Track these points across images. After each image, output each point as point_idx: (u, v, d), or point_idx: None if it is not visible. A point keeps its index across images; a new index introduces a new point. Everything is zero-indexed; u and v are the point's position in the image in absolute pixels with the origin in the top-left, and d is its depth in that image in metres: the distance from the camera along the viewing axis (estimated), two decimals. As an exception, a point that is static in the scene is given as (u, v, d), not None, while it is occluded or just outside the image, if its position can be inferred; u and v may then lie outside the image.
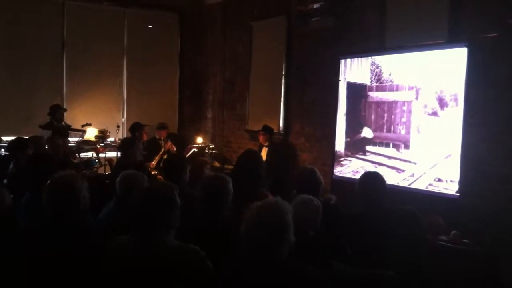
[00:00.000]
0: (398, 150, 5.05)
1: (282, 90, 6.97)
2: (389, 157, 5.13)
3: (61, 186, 2.42)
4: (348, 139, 5.61)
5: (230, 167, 6.57)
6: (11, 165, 4.46)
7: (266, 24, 7.37)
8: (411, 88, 4.93)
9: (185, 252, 2.12)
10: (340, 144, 5.77)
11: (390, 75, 5.19)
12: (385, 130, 5.22)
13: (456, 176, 4.43)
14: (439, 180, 4.60)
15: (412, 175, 4.88)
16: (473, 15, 4.49)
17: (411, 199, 4.43)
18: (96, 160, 6.55)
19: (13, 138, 5.03)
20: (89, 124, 6.98)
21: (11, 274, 2.26)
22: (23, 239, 2.41)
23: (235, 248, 1.98)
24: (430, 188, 4.67)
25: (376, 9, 5.45)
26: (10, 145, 4.78)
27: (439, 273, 2.69)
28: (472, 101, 4.37)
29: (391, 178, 4.89)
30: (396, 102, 5.10)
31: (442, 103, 4.62)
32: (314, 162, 6.26)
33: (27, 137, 4.99)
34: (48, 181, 2.47)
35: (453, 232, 3.92)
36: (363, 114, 5.48)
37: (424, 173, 4.77)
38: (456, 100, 4.49)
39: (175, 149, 6.71)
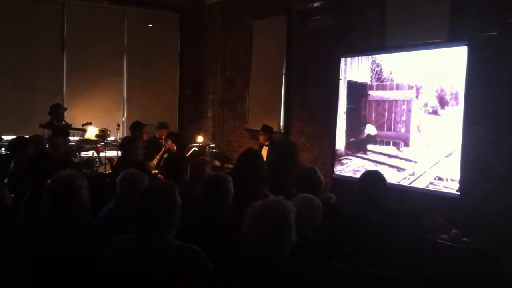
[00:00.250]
0: (398, 148, 5.05)
1: (283, 89, 6.98)
2: (390, 156, 5.13)
3: (61, 186, 2.42)
4: (354, 139, 5.58)
5: (231, 166, 6.57)
6: (12, 165, 4.46)
7: (266, 23, 7.36)
8: (411, 87, 4.93)
9: (186, 252, 2.12)
10: (340, 143, 5.77)
11: (390, 73, 5.19)
12: (385, 129, 5.23)
13: (457, 175, 4.43)
14: (440, 179, 4.60)
15: (413, 174, 4.88)
16: (473, 14, 4.49)
17: (411, 198, 4.44)
18: (97, 159, 6.55)
19: (14, 137, 5.04)
20: (90, 123, 6.97)
21: (11, 274, 2.26)
22: (23, 238, 2.41)
23: (235, 248, 1.98)
24: (431, 187, 4.67)
25: (376, 8, 5.45)
26: (11, 145, 4.78)
27: (439, 271, 2.70)
28: (473, 99, 4.37)
29: (391, 177, 4.89)
30: (396, 100, 5.10)
31: (442, 102, 4.62)
32: (315, 161, 6.26)
33: (27, 137, 4.99)
34: (49, 181, 2.47)
35: (453, 231, 3.93)
36: (364, 112, 5.47)
37: (425, 172, 4.77)
38: (456, 98, 4.49)
39: (175, 148, 6.71)
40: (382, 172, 3.56)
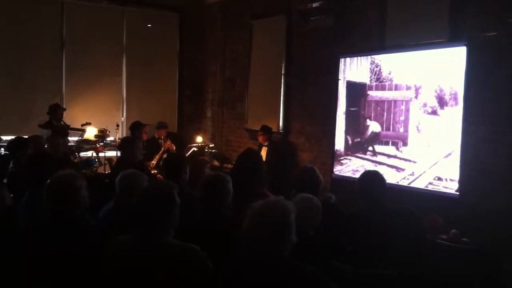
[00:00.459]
0: (397, 148, 5.05)
1: (282, 89, 6.98)
2: (389, 156, 5.14)
3: (60, 185, 2.42)
4: (359, 139, 5.54)
5: (230, 166, 6.57)
6: (11, 165, 4.46)
7: (266, 23, 7.36)
8: (410, 87, 4.93)
9: (186, 252, 2.12)
10: (340, 143, 5.77)
11: (389, 74, 5.19)
12: (384, 129, 5.23)
13: (456, 175, 4.43)
14: (439, 179, 4.60)
15: (412, 174, 4.88)
16: (473, 14, 4.49)
17: (411, 198, 4.43)
18: (96, 160, 6.54)
19: (13, 137, 5.03)
20: (89, 123, 6.97)
21: (11, 274, 2.26)
22: (22, 238, 2.41)
23: (235, 248, 1.98)
24: (430, 187, 4.67)
25: (376, 8, 5.45)
26: (10, 145, 4.78)
27: (439, 271, 2.69)
28: (472, 100, 4.38)
29: (391, 177, 4.89)
30: (395, 101, 5.10)
31: (441, 102, 4.63)
32: (314, 161, 6.26)
33: (26, 137, 4.99)
34: (48, 181, 2.47)
35: (453, 231, 3.93)
36: (363, 112, 5.48)
37: (424, 172, 4.77)
38: (455, 99, 4.49)
39: (174, 148, 6.71)
40: (381, 172, 3.57)
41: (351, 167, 5.60)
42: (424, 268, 2.59)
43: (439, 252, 3.64)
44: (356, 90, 5.56)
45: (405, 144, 4.98)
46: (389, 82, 5.19)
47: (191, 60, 8.89)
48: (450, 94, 4.54)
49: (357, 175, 3.75)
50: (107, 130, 7.05)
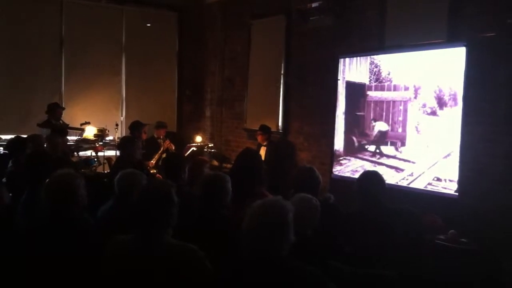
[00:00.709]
0: (396, 149, 5.06)
1: (281, 89, 6.97)
2: (389, 157, 5.14)
3: (59, 185, 2.42)
4: (364, 141, 5.52)
5: (229, 165, 6.57)
6: (10, 164, 4.46)
7: (265, 23, 7.36)
8: (410, 88, 4.93)
9: (185, 252, 2.12)
10: (339, 143, 5.77)
11: (389, 74, 5.19)
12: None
13: (455, 176, 4.43)
14: (438, 179, 4.60)
15: (411, 175, 4.88)
16: (472, 14, 4.49)
17: (410, 198, 4.44)
18: (95, 159, 6.54)
19: (12, 136, 5.03)
20: (88, 123, 6.96)
21: (10, 273, 2.26)
22: (21, 238, 2.41)
23: (234, 247, 1.98)
24: (429, 188, 4.67)
25: (376, 8, 5.45)
26: (9, 144, 4.78)
27: (437, 271, 2.70)
28: (471, 100, 4.38)
29: (390, 177, 4.89)
30: (394, 101, 5.11)
31: (441, 103, 4.63)
32: (313, 161, 6.26)
33: (25, 136, 4.98)
34: (47, 180, 2.47)
35: (451, 231, 3.93)
36: (362, 113, 5.47)
37: (423, 172, 4.77)
38: (455, 99, 4.49)
39: (173, 147, 6.71)
40: (380, 172, 3.57)
41: (350, 168, 5.60)
42: (422, 268, 2.60)
43: (437, 252, 3.64)
44: (356, 91, 5.56)
45: (404, 144, 4.98)
46: (388, 83, 5.19)
47: (190, 59, 8.89)
48: (449, 95, 4.54)
49: (357, 176, 3.75)
50: (106, 129, 7.05)
